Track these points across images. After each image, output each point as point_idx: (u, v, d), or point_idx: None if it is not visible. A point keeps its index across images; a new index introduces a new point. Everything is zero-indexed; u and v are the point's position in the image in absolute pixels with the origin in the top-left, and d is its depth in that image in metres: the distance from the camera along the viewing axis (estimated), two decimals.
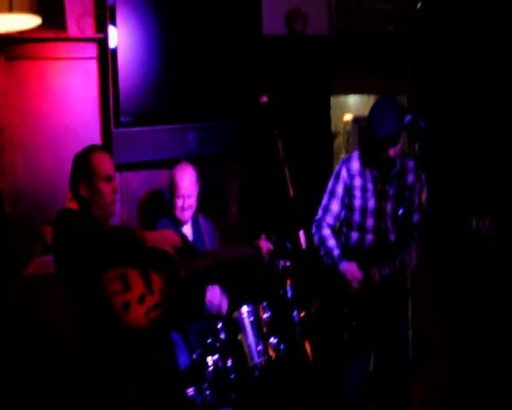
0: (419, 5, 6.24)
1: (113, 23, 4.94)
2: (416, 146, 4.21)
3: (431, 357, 5.31)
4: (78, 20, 5.03)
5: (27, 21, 2.72)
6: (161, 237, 3.54)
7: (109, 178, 3.59)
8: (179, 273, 3.69)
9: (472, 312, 5.36)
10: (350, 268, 4.44)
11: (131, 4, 5.00)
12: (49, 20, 4.75)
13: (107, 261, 3.42)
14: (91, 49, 5.03)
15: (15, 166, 4.75)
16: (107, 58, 4.98)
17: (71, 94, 4.95)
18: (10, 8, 2.59)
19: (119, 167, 4.53)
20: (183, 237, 4.54)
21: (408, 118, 4.20)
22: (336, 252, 4.50)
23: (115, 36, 4.94)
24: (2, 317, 4.11)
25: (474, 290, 5.41)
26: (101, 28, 5.06)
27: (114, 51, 4.96)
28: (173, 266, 3.65)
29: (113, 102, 4.96)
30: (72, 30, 5.00)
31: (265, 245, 4.23)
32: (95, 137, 4.99)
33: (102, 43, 5.02)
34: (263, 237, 4.26)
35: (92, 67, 5.02)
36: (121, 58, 4.96)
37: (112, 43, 4.96)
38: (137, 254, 3.51)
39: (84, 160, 3.61)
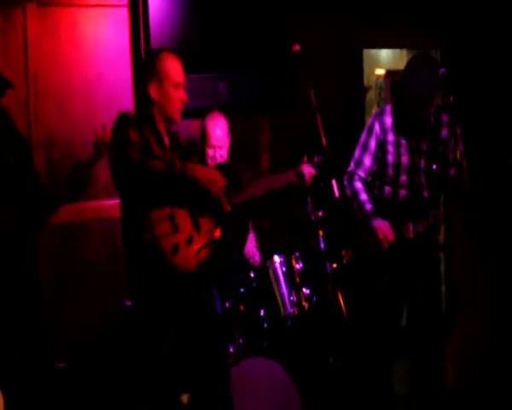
0: None
1: None
2: (451, 99, 4.14)
3: (465, 313, 5.27)
4: None
5: None
6: (209, 177, 3.50)
7: (179, 85, 3.58)
8: (224, 207, 3.63)
9: (507, 267, 5.31)
10: (382, 227, 4.38)
11: None
12: None
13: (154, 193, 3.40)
14: None
15: (48, 113, 4.71)
16: (138, 6, 4.93)
17: (102, 42, 4.91)
18: None
19: None
20: (226, 168, 4.46)
21: (442, 70, 4.14)
22: (369, 206, 4.44)
23: None
24: (29, 267, 4.10)
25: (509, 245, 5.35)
26: None
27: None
28: (218, 202, 3.59)
29: (144, 50, 4.92)
30: None
31: (308, 170, 4.15)
32: (126, 86, 4.95)
33: None
34: (305, 160, 4.17)
35: (123, 14, 4.97)
36: (152, 6, 4.91)
37: None
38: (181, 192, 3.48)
39: (157, 61, 3.59)
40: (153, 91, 3.55)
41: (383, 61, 6.99)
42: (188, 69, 5.01)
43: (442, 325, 4.54)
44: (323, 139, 3.66)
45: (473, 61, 6.07)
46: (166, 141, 3.64)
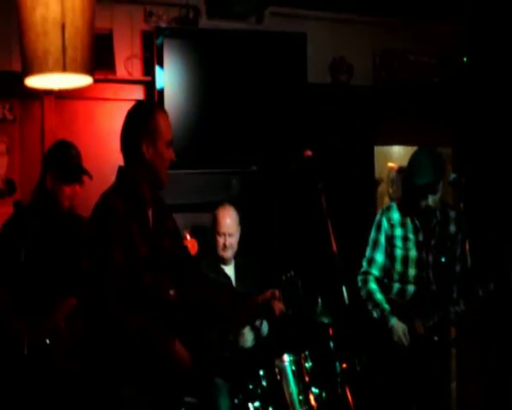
0: (465, 59, 6.25)
1: (161, 65, 5.00)
2: (461, 205, 4.25)
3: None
4: (127, 62, 5.11)
5: (79, 80, 2.72)
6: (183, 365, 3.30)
7: (171, 144, 3.37)
8: None
9: None
10: (401, 328, 4.39)
11: (179, 48, 5.09)
12: (98, 61, 4.81)
13: None
14: (138, 91, 5.10)
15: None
16: (153, 100, 5.01)
17: (118, 135, 4.95)
18: (64, 68, 2.60)
19: None
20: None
21: (452, 176, 4.38)
22: (386, 306, 4.45)
23: (162, 78, 4.99)
24: None
25: None
26: (149, 71, 5.12)
27: (161, 93, 5.01)
28: None
29: None
30: (121, 72, 5.08)
31: (277, 307, 3.76)
32: None
33: (149, 85, 5.07)
34: (276, 294, 3.74)
35: None
36: (167, 100, 5.02)
37: (158, 85, 5.01)
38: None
39: (150, 119, 3.35)
40: (146, 150, 3.30)
41: (395, 157, 7.02)
42: (201, 164, 5.13)
43: None
44: (333, 245, 3.61)
45: (484, 159, 6.10)
46: (150, 217, 3.40)
